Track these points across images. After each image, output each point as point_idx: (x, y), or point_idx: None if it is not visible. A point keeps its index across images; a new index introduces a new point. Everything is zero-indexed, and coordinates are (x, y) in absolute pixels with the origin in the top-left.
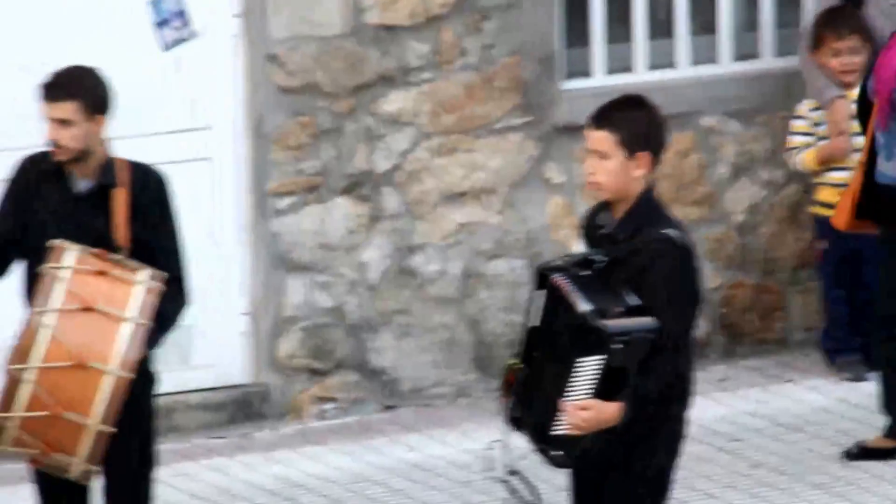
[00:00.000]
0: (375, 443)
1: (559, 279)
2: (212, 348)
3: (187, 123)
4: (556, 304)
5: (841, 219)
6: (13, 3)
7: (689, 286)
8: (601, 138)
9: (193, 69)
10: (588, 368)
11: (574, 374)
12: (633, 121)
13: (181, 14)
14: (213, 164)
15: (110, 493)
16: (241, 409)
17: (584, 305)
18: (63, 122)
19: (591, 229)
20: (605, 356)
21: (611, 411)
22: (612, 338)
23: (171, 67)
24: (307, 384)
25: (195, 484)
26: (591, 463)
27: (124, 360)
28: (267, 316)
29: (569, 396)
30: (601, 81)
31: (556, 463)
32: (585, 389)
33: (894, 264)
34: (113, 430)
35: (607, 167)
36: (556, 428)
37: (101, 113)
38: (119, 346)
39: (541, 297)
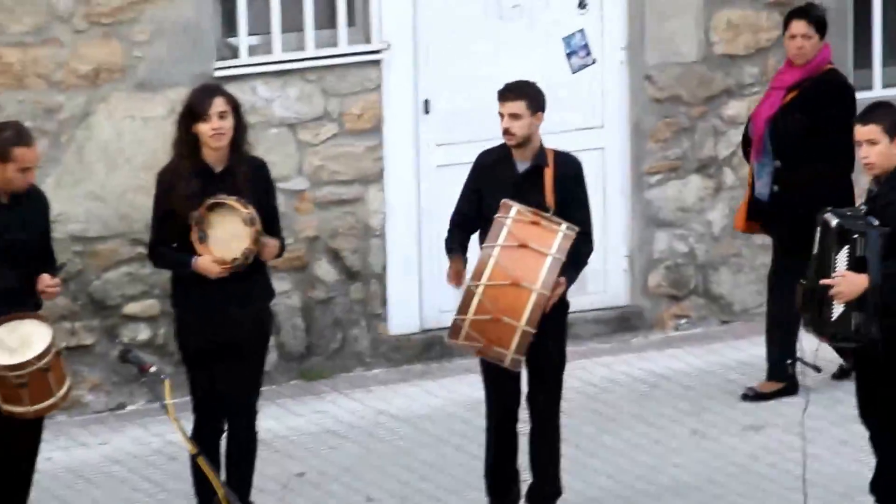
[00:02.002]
0: (715, 346)
1: (825, 215)
2: (602, 280)
3: (588, 123)
4: (825, 233)
5: (738, 222)
6: (489, 37)
7: None
8: (870, 130)
9: (593, 86)
10: (840, 258)
11: (832, 265)
12: (890, 114)
13: (585, 47)
14: (605, 152)
15: (535, 380)
16: (622, 323)
17: (835, 221)
18: (514, 116)
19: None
20: (849, 246)
21: (859, 279)
22: (850, 232)
23: (578, 85)
24: (668, 306)
25: (589, 374)
26: (866, 347)
27: (545, 282)
28: (641, 257)
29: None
30: (879, 94)
31: (838, 340)
32: (841, 270)
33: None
34: (535, 331)
35: (877, 150)
36: (831, 313)
37: (540, 111)
38: (543, 272)
39: (818, 232)
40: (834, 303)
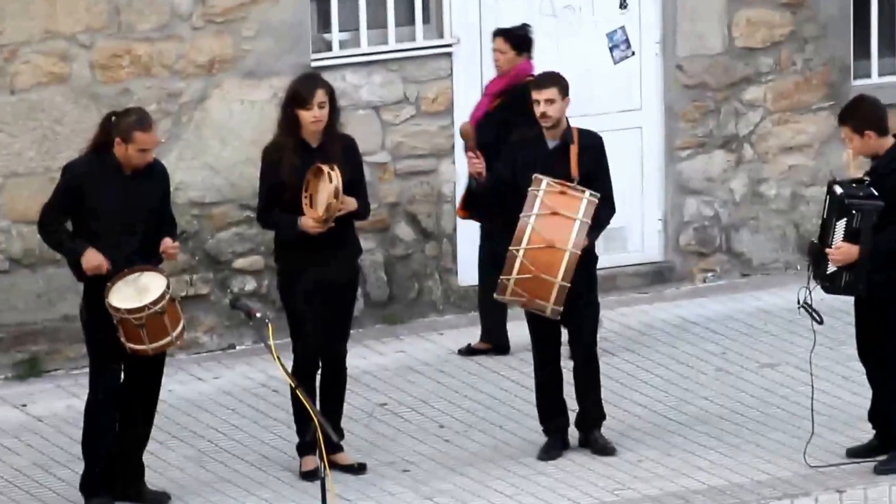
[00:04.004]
0: (737, 296)
1: (834, 185)
2: (640, 239)
3: (628, 106)
4: (832, 203)
5: (459, 210)
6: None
7: None
8: (844, 131)
9: (632, 75)
10: (839, 228)
11: (833, 232)
12: (855, 116)
13: (626, 41)
14: (643, 130)
15: (574, 324)
16: (657, 276)
17: (839, 191)
18: (550, 101)
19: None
20: (847, 219)
21: (853, 250)
22: (851, 207)
23: (619, 73)
24: (697, 261)
25: (629, 320)
26: (858, 293)
27: (576, 242)
28: (673, 220)
29: (830, 245)
30: (876, 81)
31: (829, 291)
32: (839, 239)
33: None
34: (570, 285)
35: (855, 145)
36: (827, 270)
37: (567, 96)
38: (573, 234)
39: (826, 199)
40: (830, 263)
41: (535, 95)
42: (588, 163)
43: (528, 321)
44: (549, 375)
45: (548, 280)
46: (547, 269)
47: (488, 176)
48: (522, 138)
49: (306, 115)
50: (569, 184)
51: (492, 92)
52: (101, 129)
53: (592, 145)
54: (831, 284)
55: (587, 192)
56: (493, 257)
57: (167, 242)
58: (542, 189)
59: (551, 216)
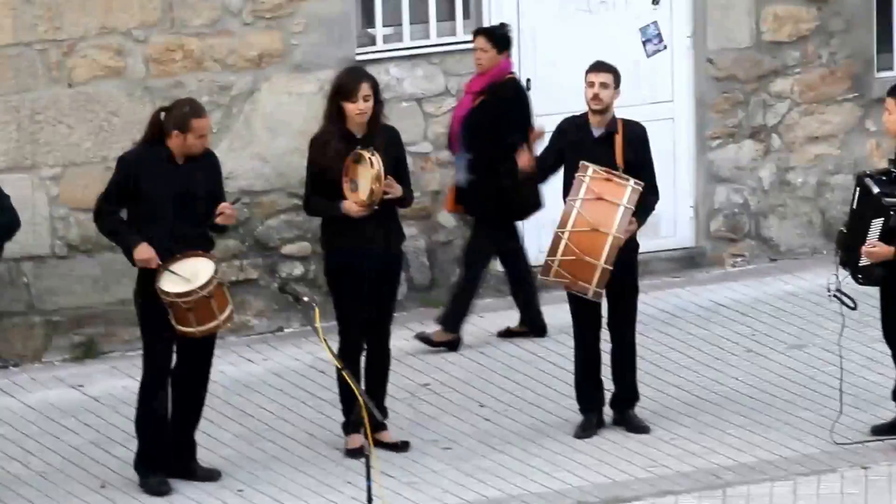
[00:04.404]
0: (766, 279)
1: (866, 179)
2: (672, 226)
3: (661, 98)
4: (864, 195)
5: (448, 204)
6: (572, 29)
7: None
8: (889, 102)
9: (664, 67)
10: (876, 226)
11: (869, 229)
12: None
13: (658, 35)
14: (674, 122)
15: (614, 308)
16: (689, 261)
17: (875, 189)
18: (604, 85)
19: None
20: (884, 219)
21: (888, 249)
22: (888, 207)
23: (652, 66)
24: (726, 247)
25: (660, 303)
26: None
27: (619, 227)
28: (704, 207)
29: (866, 241)
30: None
31: (861, 283)
32: (874, 237)
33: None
34: (612, 268)
35: (892, 119)
36: (860, 262)
37: (618, 87)
38: (617, 219)
39: (856, 192)
40: (863, 257)
41: (591, 77)
42: (632, 152)
43: (570, 303)
44: (589, 356)
45: (591, 262)
46: (590, 252)
47: (539, 174)
48: (569, 125)
49: (351, 108)
50: (614, 172)
51: (474, 90)
52: (152, 124)
53: (637, 135)
54: (864, 277)
55: (632, 181)
56: (480, 255)
57: (224, 205)
58: (589, 175)
59: (597, 201)
